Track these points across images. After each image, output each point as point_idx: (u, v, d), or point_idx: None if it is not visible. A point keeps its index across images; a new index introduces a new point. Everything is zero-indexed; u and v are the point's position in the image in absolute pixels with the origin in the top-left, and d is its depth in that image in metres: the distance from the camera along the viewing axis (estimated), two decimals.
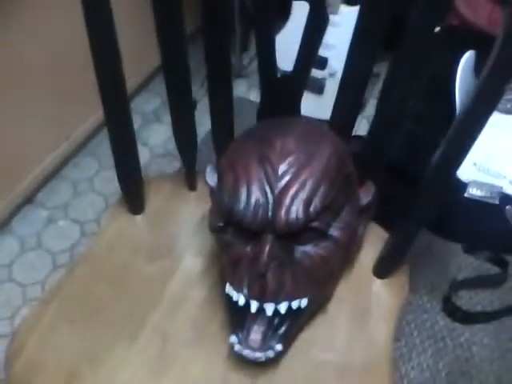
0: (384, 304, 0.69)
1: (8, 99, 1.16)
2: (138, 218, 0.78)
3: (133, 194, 0.77)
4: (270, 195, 0.55)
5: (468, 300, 1.20)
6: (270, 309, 0.57)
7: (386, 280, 0.71)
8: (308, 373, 0.63)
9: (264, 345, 0.58)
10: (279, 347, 0.59)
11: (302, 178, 0.55)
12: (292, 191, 0.55)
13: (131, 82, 1.50)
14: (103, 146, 1.46)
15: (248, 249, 0.57)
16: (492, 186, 1.00)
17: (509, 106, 1.34)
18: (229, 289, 0.60)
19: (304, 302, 0.59)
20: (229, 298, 0.60)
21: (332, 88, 1.50)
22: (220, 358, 0.62)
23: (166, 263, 0.73)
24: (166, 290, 0.69)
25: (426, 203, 0.64)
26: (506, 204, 0.97)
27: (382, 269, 0.71)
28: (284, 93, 0.69)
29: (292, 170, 0.56)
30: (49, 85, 1.26)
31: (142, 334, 0.65)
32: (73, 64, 1.15)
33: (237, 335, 0.59)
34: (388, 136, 0.68)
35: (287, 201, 0.55)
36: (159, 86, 1.67)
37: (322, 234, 0.57)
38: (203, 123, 0.84)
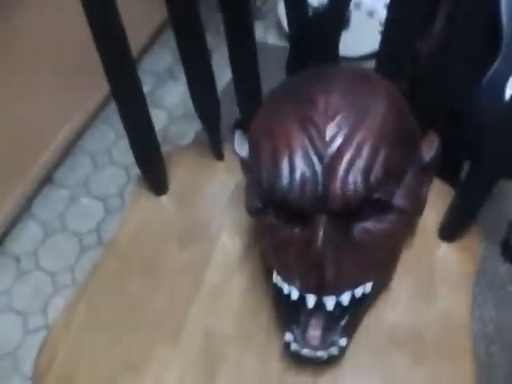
0: (455, 271, 0.60)
1: (18, 73, 1.08)
2: (163, 198, 0.69)
3: (153, 172, 0.68)
4: (318, 166, 0.45)
5: None
6: (330, 303, 0.48)
7: (454, 244, 0.61)
8: (376, 361, 0.54)
9: (325, 341, 0.50)
10: (343, 342, 0.50)
11: (357, 140, 0.45)
12: (346, 158, 0.45)
13: (138, 36, 1.38)
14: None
15: (296, 231, 0.48)
16: None
17: None
18: (277, 279, 0.51)
19: (368, 287, 0.50)
20: (278, 289, 0.51)
21: (359, 21, 1.36)
22: (274, 356, 0.54)
23: (201, 247, 0.64)
24: (204, 279, 0.61)
25: (503, 148, 0.53)
26: None
27: (450, 230, 0.61)
28: (318, 35, 0.58)
29: (342, 132, 0.45)
30: (59, 57, 1.16)
31: (183, 333, 0.57)
32: (81, 33, 1.06)
33: (292, 332, 0.51)
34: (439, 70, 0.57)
35: (341, 171, 0.45)
36: (170, 39, 1.54)
37: (384, 206, 0.48)
38: (221, 77, 0.73)
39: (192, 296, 0.60)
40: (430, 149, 0.54)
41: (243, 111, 0.68)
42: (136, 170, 1.20)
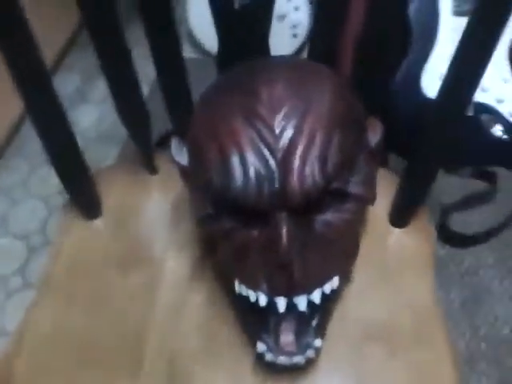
0: (413, 256, 0.59)
1: None
2: (97, 222, 0.63)
3: (83, 194, 0.62)
4: (271, 161, 0.42)
5: (462, 223, 1.13)
6: (302, 303, 0.45)
7: (407, 229, 0.60)
8: (351, 358, 0.52)
9: (300, 345, 0.47)
10: (318, 343, 0.47)
11: (308, 129, 0.43)
12: (300, 149, 0.42)
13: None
14: (30, 141, 1.27)
15: (256, 234, 0.45)
16: None
17: (466, 7, 1.25)
18: (241, 288, 0.47)
19: (335, 282, 0.48)
20: (242, 298, 0.48)
21: None
22: (246, 370, 0.51)
23: (147, 270, 0.59)
24: (157, 301, 0.56)
25: (440, 136, 0.53)
26: (480, 113, 0.88)
27: (400, 216, 0.61)
28: (247, 28, 0.55)
29: (292, 123, 0.43)
30: None
31: (145, 362, 0.52)
32: None
33: (263, 341, 0.47)
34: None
35: (297, 163, 0.42)
36: (76, 60, 1.50)
37: (342, 195, 0.46)
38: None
39: (147, 321, 0.54)
40: (374, 134, 0.52)
41: (174, 118, 0.64)
42: (57, 201, 1.12)
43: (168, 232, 0.62)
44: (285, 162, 0.42)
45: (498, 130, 1.16)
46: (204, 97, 0.50)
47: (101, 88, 1.34)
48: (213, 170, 0.44)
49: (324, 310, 0.48)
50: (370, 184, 0.50)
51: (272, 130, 0.43)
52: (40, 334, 0.54)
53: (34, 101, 0.52)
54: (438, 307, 0.54)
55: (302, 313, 0.47)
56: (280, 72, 0.46)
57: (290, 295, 0.44)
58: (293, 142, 0.42)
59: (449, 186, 1.17)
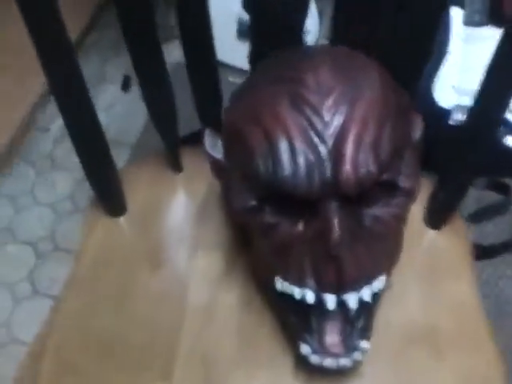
0: (451, 257, 0.57)
1: None
2: (122, 220, 0.61)
3: (109, 191, 0.60)
4: (321, 147, 0.40)
5: (479, 234, 1.11)
6: (353, 300, 0.43)
7: (443, 231, 0.59)
8: (396, 363, 0.50)
9: (347, 347, 0.44)
10: (365, 344, 0.45)
11: (359, 116, 0.41)
12: (352, 136, 0.40)
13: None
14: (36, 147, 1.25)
15: (300, 227, 0.43)
16: None
17: (477, 18, 1.25)
18: (283, 285, 0.45)
19: (382, 280, 0.45)
20: (283, 297, 0.45)
21: None
22: (287, 374, 0.48)
23: (175, 269, 0.57)
24: (187, 302, 0.54)
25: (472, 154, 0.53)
26: None
27: (436, 218, 0.59)
28: (282, 21, 0.54)
29: (342, 108, 0.41)
30: None
31: (176, 366, 0.49)
32: None
33: (307, 343, 0.45)
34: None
35: (350, 150, 0.40)
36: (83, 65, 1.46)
37: (391, 188, 0.44)
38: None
39: (178, 323, 0.52)
40: (416, 129, 0.51)
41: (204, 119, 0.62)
42: (65, 207, 1.09)
43: (196, 230, 0.59)
44: (336, 149, 0.40)
45: (510, 141, 1.15)
46: (244, 85, 0.48)
47: (108, 93, 1.32)
48: (258, 157, 0.42)
49: (369, 311, 0.46)
50: (416, 179, 0.48)
51: (321, 117, 0.41)
52: (66, 334, 0.52)
53: (60, 82, 0.50)
54: (481, 309, 0.52)
55: (348, 313, 0.44)
56: (323, 58, 0.44)
57: (340, 291, 0.42)
58: (344, 129, 0.40)
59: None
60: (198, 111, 0.62)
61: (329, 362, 0.44)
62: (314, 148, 0.40)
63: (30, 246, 1.10)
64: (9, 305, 1.02)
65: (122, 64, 1.33)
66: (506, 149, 1.15)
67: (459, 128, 0.55)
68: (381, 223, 0.44)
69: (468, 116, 0.54)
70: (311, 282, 0.43)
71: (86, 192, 1.09)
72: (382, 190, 0.43)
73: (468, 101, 0.92)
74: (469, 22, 1.21)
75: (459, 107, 1.09)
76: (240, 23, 1.25)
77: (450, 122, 1.10)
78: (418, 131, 0.50)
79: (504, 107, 0.50)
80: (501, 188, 1.15)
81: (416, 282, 0.55)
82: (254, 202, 0.44)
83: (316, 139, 0.40)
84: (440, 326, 0.51)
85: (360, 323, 0.45)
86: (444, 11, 1.06)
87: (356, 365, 0.45)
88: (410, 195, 0.45)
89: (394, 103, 0.44)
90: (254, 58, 0.58)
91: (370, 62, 0.46)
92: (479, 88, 0.49)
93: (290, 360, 0.48)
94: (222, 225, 0.59)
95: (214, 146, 0.50)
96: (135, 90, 1.35)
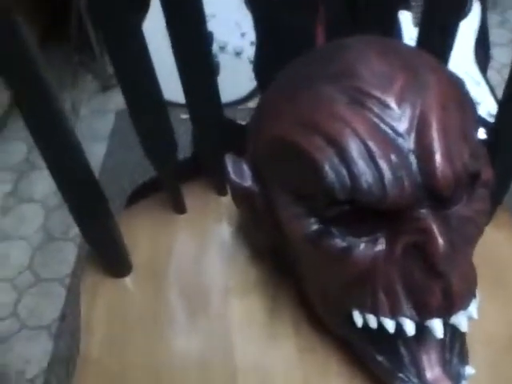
0: (506, 252, 0.52)
1: None
2: (128, 280, 0.51)
3: (110, 246, 0.50)
4: (402, 144, 0.33)
5: None
6: (464, 321, 0.35)
7: (490, 225, 0.53)
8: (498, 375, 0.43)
9: (451, 377, 0.37)
10: (469, 370, 0.38)
11: (435, 99, 0.34)
12: (435, 123, 0.34)
13: None
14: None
15: (380, 246, 0.36)
16: None
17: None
18: (370, 318, 0.37)
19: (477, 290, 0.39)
20: (363, 333, 0.38)
21: (227, 64, 1.29)
22: None
23: (210, 324, 0.48)
24: (236, 363, 0.44)
25: None
26: None
27: None
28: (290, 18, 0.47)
29: (412, 95, 0.34)
30: None
31: None
32: None
33: (404, 381, 0.37)
34: None
35: (438, 140, 0.33)
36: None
37: (474, 180, 0.37)
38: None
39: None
40: None
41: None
42: (26, 279, 0.96)
43: (221, 275, 0.51)
44: (421, 143, 0.33)
45: (481, 133, 1.15)
46: (274, 95, 0.41)
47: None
48: (326, 169, 0.34)
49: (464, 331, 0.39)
50: (489, 165, 0.42)
51: (391, 109, 0.34)
52: None
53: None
54: None
55: (445, 337, 0.37)
56: (366, 46, 0.38)
57: (448, 314, 0.35)
58: (423, 118, 0.34)
59: None
60: (147, 155, 0.51)
61: None
62: (393, 146, 0.33)
63: None
64: None
65: None
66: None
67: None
68: (469, 223, 0.37)
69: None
70: (408, 308, 0.35)
71: (45, 261, 0.97)
72: (467, 184, 0.37)
73: None
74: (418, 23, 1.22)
75: None
76: None
77: None
78: None
79: None
80: None
81: (486, 286, 0.49)
82: (316, 226, 0.37)
83: (392, 135, 0.34)
84: None
85: (457, 347, 0.38)
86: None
87: None
88: (488, 185, 0.39)
89: (460, 88, 0.38)
90: (261, 67, 0.51)
91: (420, 51, 0.40)
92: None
93: None
94: (248, 263, 0.51)
95: (238, 172, 0.42)
96: None
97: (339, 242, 0.36)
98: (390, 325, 0.36)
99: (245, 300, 0.49)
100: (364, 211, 0.34)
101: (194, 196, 0.57)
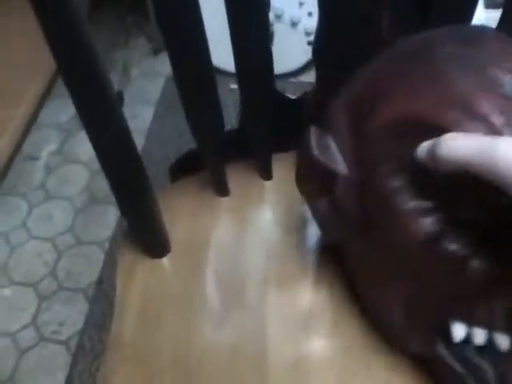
0: None
1: None
2: (165, 261, 0.50)
3: (149, 225, 0.49)
4: None
5: None
6: None
7: None
8: None
9: None
10: None
11: None
12: None
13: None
14: (24, 176, 1.12)
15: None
16: None
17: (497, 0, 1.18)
18: (475, 331, 0.34)
19: None
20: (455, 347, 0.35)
21: (282, 34, 1.25)
22: None
23: (245, 315, 0.46)
24: (269, 363, 0.42)
25: None
26: None
27: None
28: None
29: None
30: None
31: None
32: None
33: None
34: None
35: None
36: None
37: None
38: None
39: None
40: None
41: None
42: (67, 240, 0.97)
43: (259, 266, 0.48)
44: None
45: None
46: (391, 72, 0.36)
47: None
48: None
49: None
50: None
51: None
52: None
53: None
54: None
55: None
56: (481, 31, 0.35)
57: None
58: None
59: None
60: (192, 129, 0.48)
61: None
62: None
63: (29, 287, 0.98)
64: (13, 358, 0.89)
65: (114, 80, 1.22)
66: None
67: None
68: None
69: None
70: None
71: (86, 223, 0.98)
72: None
73: None
74: (489, 4, 1.14)
75: None
76: None
77: None
78: None
79: None
80: None
81: None
82: (436, 228, 0.32)
83: None
84: None
85: None
86: None
87: None
88: None
89: None
90: (321, 48, 0.47)
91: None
92: None
93: None
94: (289, 255, 0.49)
95: (323, 150, 0.38)
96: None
97: (459, 250, 0.31)
98: (502, 340, 0.33)
99: (282, 294, 0.46)
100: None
101: (236, 178, 0.54)
